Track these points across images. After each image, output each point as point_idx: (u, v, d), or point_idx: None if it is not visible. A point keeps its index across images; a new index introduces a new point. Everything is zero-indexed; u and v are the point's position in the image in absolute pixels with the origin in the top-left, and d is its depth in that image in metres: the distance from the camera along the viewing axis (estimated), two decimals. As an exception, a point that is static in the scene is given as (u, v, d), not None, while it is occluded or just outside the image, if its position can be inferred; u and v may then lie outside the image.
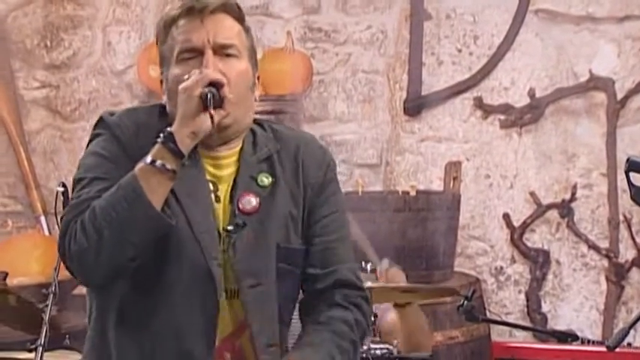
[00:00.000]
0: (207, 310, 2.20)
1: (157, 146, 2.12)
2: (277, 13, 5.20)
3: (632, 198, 2.41)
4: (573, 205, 5.02)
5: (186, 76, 2.16)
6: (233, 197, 2.25)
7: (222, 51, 2.23)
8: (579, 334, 3.54)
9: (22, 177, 5.16)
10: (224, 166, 2.29)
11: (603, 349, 3.04)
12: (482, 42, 5.13)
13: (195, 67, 2.19)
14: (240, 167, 2.27)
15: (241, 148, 2.28)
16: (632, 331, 2.94)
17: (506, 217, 5.08)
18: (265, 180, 2.28)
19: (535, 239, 5.07)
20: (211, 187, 2.26)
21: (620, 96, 4.95)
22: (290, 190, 2.31)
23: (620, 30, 4.99)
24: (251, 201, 2.25)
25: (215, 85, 2.14)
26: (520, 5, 5.04)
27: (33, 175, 5.15)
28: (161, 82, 2.31)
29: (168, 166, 2.11)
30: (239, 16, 2.29)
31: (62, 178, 4.84)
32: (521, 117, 5.07)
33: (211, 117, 2.13)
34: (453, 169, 4.96)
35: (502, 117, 5.09)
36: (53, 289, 3.34)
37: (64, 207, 3.45)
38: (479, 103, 5.11)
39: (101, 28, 5.30)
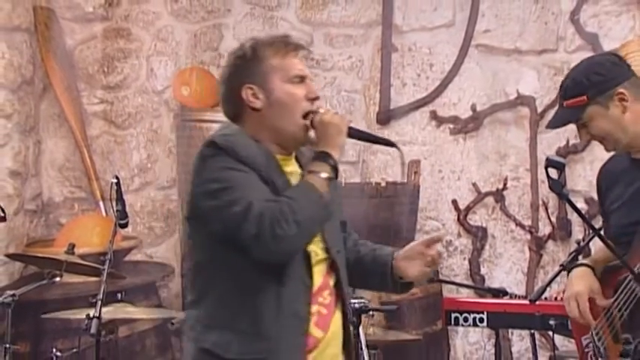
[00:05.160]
0: (304, 284, 2.24)
1: (319, 163, 2.21)
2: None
3: (550, 187, 2.42)
4: (505, 193, 5.03)
5: (320, 109, 2.27)
6: None
7: None
8: (508, 290, 3.54)
9: (85, 171, 5.16)
10: (290, 164, 2.33)
11: (526, 301, 3.05)
12: (436, 69, 5.13)
13: (303, 89, 2.28)
14: (302, 165, 2.33)
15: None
16: (547, 288, 2.96)
17: (454, 202, 5.08)
18: None
19: (476, 219, 5.08)
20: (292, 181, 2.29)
21: (539, 110, 4.96)
22: None
23: (539, 60, 5.00)
24: None
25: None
26: (464, 41, 5.05)
27: (93, 169, 5.15)
28: (251, 89, 2.28)
29: (328, 176, 2.20)
30: None
31: (115, 172, 4.85)
32: (466, 126, 5.08)
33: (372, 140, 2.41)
34: (414, 166, 4.97)
35: (451, 126, 5.10)
36: (109, 256, 3.35)
37: (117, 195, 3.46)
38: (434, 115, 5.12)
39: (145, 58, 5.29)
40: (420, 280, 2.45)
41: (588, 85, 2.56)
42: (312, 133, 2.27)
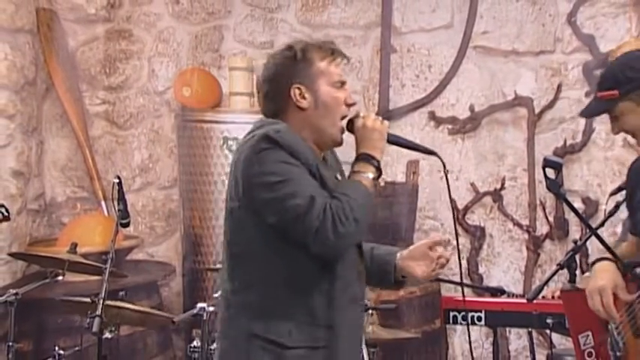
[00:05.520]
0: (358, 269, 2.39)
1: (364, 164, 2.32)
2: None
3: (547, 187, 2.42)
4: (503, 192, 5.04)
5: (360, 112, 2.39)
6: None
7: None
8: (506, 289, 3.54)
9: (88, 171, 5.15)
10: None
11: (524, 300, 3.05)
12: (435, 70, 5.13)
13: (343, 94, 2.38)
14: (328, 164, 2.43)
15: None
16: (545, 287, 2.96)
17: (452, 201, 5.08)
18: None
19: (474, 218, 5.08)
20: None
21: (537, 110, 4.97)
22: None
23: (537, 61, 5.00)
24: None
25: None
26: (462, 42, 5.05)
27: (95, 170, 5.14)
28: (299, 89, 2.35)
29: (373, 176, 2.32)
30: None
31: (117, 172, 4.86)
32: (464, 126, 5.08)
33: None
34: (413, 166, 4.96)
35: (450, 126, 5.10)
36: (111, 255, 3.34)
37: (119, 195, 3.46)
38: (432, 115, 5.12)
39: (147, 58, 5.29)
40: (427, 280, 2.56)
41: (622, 81, 2.54)
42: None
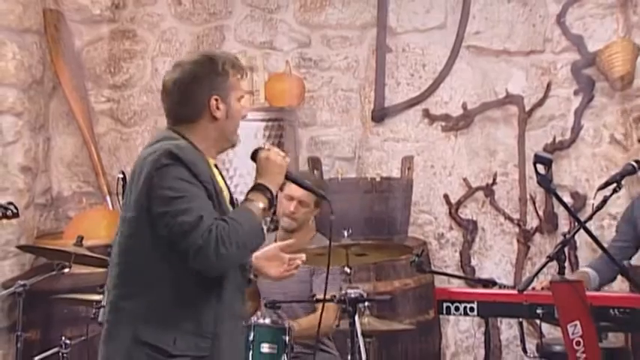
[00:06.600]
0: (241, 290, 2.45)
1: (258, 194, 2.39)
2: (279, 47, 5.20)
3: (538, 182, 2.44)
4: (494, 187, 5.05)
5: (265, 144, 2.49)
6: None
7: None
8: (498, 281, 3.54)
9: (93, 167, 5.15)
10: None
11: (515, 291, 3.05)
12: (429, 69, 5.14)
13: (243, 108, 2.49)
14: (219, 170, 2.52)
15: None
16: (535, 278, 2.97)
17: (446, 196, 5.09)
18: None
19: (467, 212, 5.09)
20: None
21: (527, 108, 4.98)
22: None
23: (527, 61, 5.02)
24: None
25: None
26: (456, 42, 5.06)
27: (101, 165, 5.13)
28: (216, 100, 2.43)
29: (264, 207, 2.38)
30: None
31: (122, 167, 4.82)
32: (457, 123, 5.08)
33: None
34: (408, 162, 4.97)
35: (443, 123, 5.11)
36: (116, 248, 3.34)
37: (123, 190, 3.46)
38: (426, 113, 5.13)
39: (150, 58, 5.29)
40: (280, 279, 2.72)
41: None
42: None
